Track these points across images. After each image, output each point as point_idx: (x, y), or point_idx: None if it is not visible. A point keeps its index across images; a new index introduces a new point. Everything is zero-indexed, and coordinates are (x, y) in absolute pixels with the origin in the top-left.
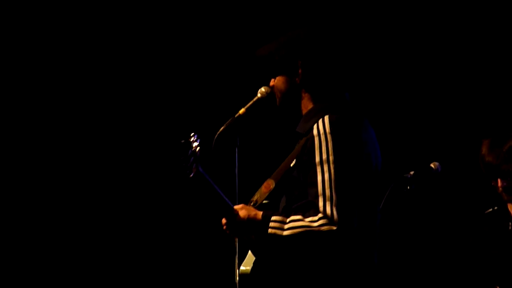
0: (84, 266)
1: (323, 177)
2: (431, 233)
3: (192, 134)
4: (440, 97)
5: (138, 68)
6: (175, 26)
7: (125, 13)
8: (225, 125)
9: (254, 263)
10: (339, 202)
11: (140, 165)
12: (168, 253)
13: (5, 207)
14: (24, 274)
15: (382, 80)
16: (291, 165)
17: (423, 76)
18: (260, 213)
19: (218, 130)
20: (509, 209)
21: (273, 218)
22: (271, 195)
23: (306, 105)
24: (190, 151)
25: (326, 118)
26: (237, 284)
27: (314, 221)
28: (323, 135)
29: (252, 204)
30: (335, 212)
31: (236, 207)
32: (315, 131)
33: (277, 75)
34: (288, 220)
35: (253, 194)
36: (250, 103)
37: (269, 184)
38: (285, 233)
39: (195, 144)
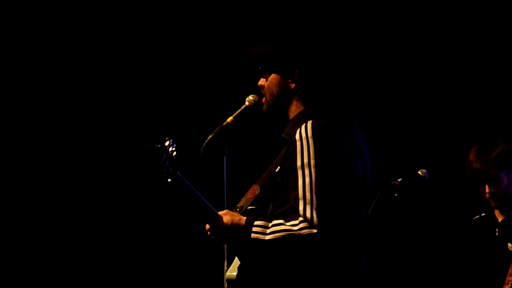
0: (81, 266)
1: (303, 181)
2: (419, 240)
3: (167, 138)
4: (427, 105)
5: (131, 68)
6: (161, 29)
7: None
8: (213, 133)
9: (239, 268)
10: (319, 205)
11: (133, 168)
12: (159, 256)
13: (5, 207)
14: (24, 274)
15: (371, 87)
16: (276, 170)
17: (411, 85)
18: (244, 218)
19: (206, 139)
20: (496, 215)
21: (256, 223)
22: (256, 201)
23: (294, 110)
24: (165, 155)
25: (309, 123)
26: None
27: (295, 225)
28: (305, 140)
29: (237, 210)
30: (315, 216)
31: (220, 213)
32: (297, 136)
33: (270, 77)
34: (270, 224)
35: (239, 201)
36: (238, 111)
37: (254, 190)
38: (267, 237)
39: (170, 148)
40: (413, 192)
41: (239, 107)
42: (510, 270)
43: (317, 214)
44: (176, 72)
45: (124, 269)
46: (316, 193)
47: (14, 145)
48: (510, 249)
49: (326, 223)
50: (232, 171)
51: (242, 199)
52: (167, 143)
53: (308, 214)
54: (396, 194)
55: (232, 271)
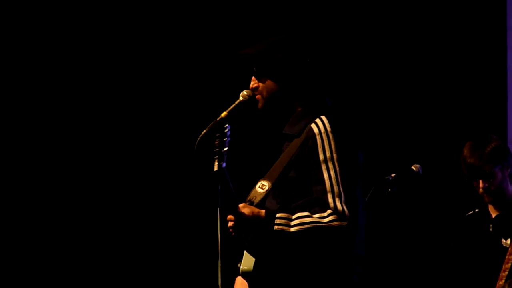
0: (80, 266)
1: (329, 175)
2: (412, 236)
3: (226, 125)
4: (421, 100)
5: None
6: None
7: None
8: (207, 128)
9: (255, 262)
10: (347, 198)
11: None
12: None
13: (5, 207)
14: (24, 274)
15: (364, 83)
16: (287, 165)
17: (404, 79)
18: (262, 211)
19: (200, 134)
20: (490, 211)
21: (279, 215)
22: (267, 196)
23: (292, 108)
24: (226, 142)
25: (324, 118)
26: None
27: (323, 217)
28: (325, 134)
29: (248, 204)
30: (345, 209)
31: (239, 205)
32: (315, 130)
33: (266, 76)
34: (294, 217)
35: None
36: (232, 106)
37: (264, 185)
38: (293, 229)
39: (226, 139)
40: (407, 187)
41: (233, 102)
42: (504, 266)
43: (347, 207)
44: (170, 67)
45: (124, 269)
46: (342, 186)
47: (14, 145)
48: (504, 245)
49: (354, 216)
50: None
51: (250, 193)
52: (226, 130)
53: (339, 207)
54: (389, 189)
55: (246, 265)
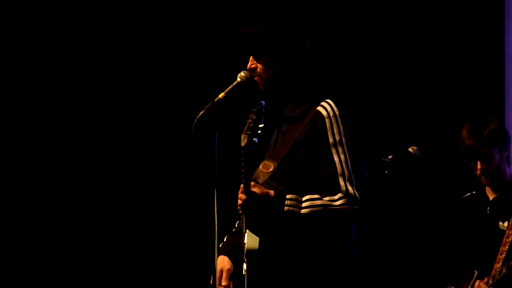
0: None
1: (339, 158)
2: (409, 218)
3: (261, 101)
4: (418, 82)
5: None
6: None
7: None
8: (204, 109)
9: (260, 241)
10: (357, 183)
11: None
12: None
13: (5, 207)
14: (24, 274)
15: (360, 65)
16: (293, 147)
17: (400, 61)
18: (271, 191)
19: (198, 115)
20: (487, 193)
21: (289, 196)
22: (272, 176)
23: (291, 91)
24: (263, 118)
25: (331, 102)
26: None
27: (334, 200)
28: (334, 117)
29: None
30: (356, 193)
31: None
32: (324, 113)
33: (267, 57)
34: (304, 198)
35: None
36: (230, 87)
37: (268, 165)
38: (303, 211)
39: (260, 116)
40: (404, 169)
41: (231, 83)
42: (501, 248)
43: (357, 191)
44: (169, 67)
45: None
46: (352, 170)
47: (14, 145)
48: (501, 227)
49: (363, 200)
50: (224, 147)
51: (255, 173)
52: (259, 107)
53: (351, 191)
54: (386, 171)
55: (251, 244)
